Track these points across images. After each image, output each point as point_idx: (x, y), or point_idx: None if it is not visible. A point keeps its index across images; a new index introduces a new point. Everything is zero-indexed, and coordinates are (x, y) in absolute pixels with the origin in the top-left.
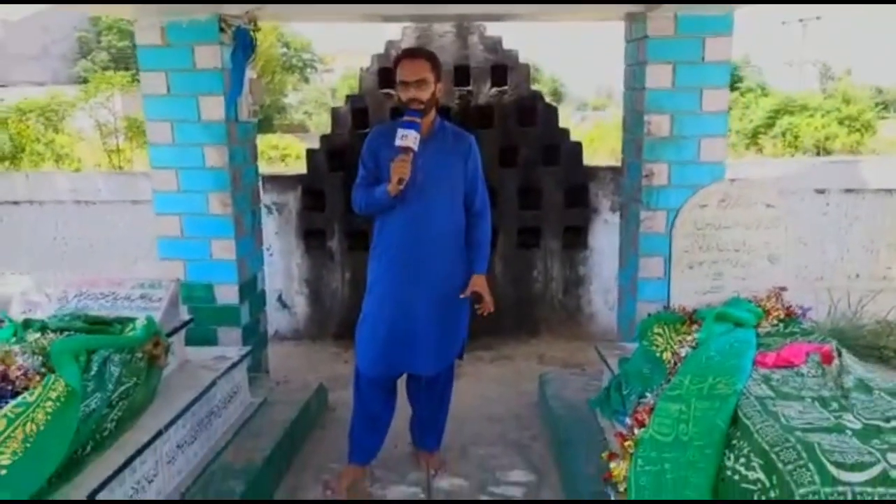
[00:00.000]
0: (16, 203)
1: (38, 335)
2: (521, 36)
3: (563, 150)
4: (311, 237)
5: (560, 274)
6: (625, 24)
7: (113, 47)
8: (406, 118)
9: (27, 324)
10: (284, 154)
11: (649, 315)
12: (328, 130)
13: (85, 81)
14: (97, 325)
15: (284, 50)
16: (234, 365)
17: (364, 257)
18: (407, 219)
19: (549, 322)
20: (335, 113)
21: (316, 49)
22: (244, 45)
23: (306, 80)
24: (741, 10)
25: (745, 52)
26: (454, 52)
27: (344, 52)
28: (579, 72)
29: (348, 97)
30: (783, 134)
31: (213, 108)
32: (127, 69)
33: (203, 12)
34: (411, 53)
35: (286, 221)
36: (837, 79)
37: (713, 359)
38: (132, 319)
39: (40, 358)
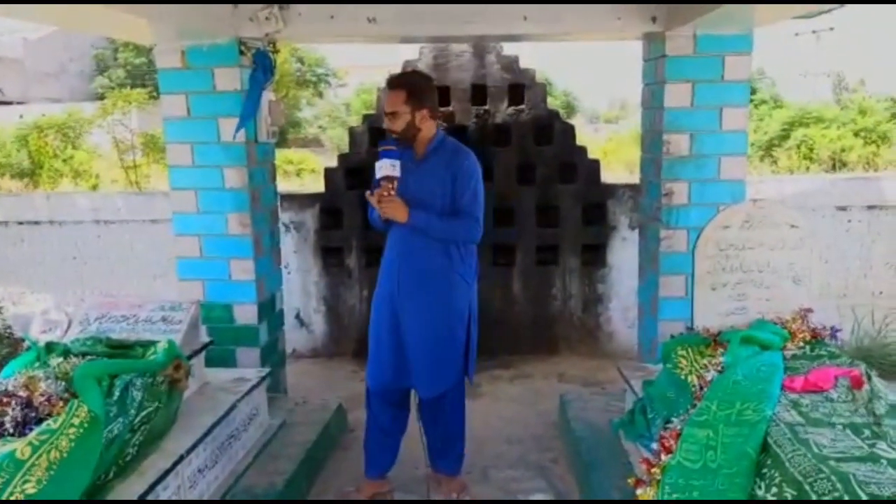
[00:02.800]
0: (37, 223)
1: (60, 360)
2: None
3: (580, 168)
4: (329, 255)
5: (579, 291)
6: (642, 44)
7: (129, 64)
8: (381, 148)
9: (50, 347)
10: (300, 168)
11: (672, 337)
12: (344, 146)
13: (102, 98)
14: (119, 348)
15: (298, 65)
16: (254, 387)
17: None
18: (398, 238)
19: (568, 340)
20: (352, 132)
21: (330, 64)
22: (264, 68)
23: (320, 95)
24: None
25: (758, 64)
26: (471, 71)
27: (358, 66)
28: (591, 84)
29: (365, 116)
30: (798, 146)
31: (233, 129)
32: (144, 86)
33: (223, 36)
34: (389, 83)
35: (304, 239)
36: (852, 90)
37: (740, 383)
38: (153, 343)
39: (63, 383)
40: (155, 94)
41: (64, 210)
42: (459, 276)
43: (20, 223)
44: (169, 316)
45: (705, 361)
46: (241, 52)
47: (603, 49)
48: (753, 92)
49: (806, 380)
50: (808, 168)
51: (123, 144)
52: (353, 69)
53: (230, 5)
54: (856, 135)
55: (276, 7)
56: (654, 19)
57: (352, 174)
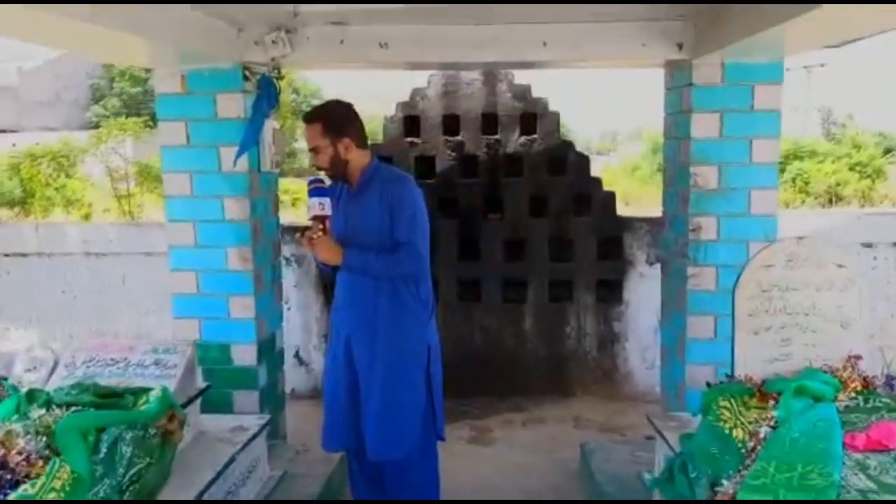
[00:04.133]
0: (24, 255)
1: (42, 411)
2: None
3: (595, 200)
4: (331, 290)
5: (594, 330)
6: (664, 72)
7: (125, 94)
8: (309, 186)
9: (31, 396)
10: (295, 198)
11: (710, 385)
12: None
13: (97, 127)
14: (107, 397)
15: (294, 96)
16: (254, 436)
17: None
18: (343, 283)
19: (583, 381)
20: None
21: (325, 94)
22: (268, 94)
23: None
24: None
25: None
26: (482, 99)
27: (353, 97)
28: (581, 114)
29: (372, 146)
30: (793, 180)
31: (234, 158)
32: (139, 115)
33: (226, 60)
34: (304, 118)
35: (305, 273)
36: (840, 125)
37: (798, 441)
38: (146, 390)
39: (44, 439)
40: (151, 123)
41: (54, 241)
42: (409, 315)
43: (6, 255)
44: (163, 359)
45: (753, 415)
46: (245, 78)
47: (593, 79)
48: None
49: (868, 437)
50: (803, 201)
51: (117, 173)
52: (349, 101)
53: (235, 28)
54: (850, 169)
55: (283, 31)
56: (680, 46)
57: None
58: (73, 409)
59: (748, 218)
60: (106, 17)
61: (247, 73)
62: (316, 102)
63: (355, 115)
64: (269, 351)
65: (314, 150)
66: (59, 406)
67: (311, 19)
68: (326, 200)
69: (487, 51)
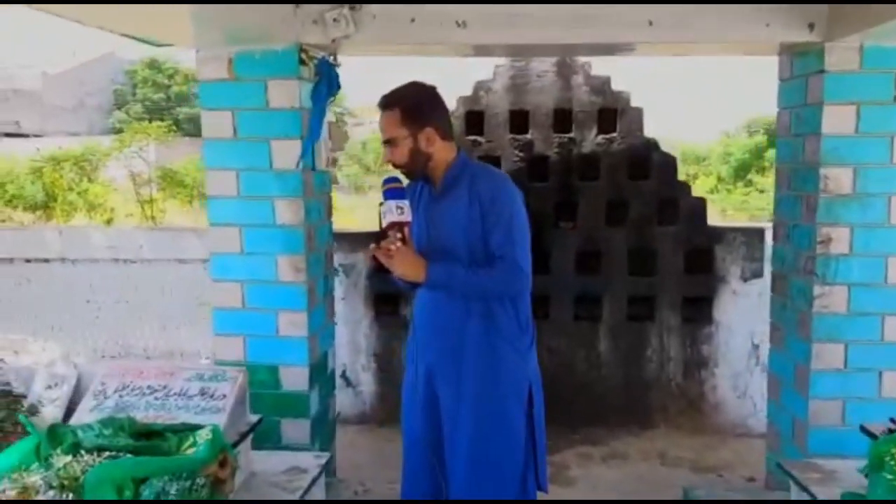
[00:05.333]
0: (46, 261)
1: (67, 458)
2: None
3: (682, 207)
4: (382, 303)
5: (679, 353)
6: (779, 60)
7: (148, 99)
8: (385, 187)
9: (54, 435)
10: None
11: (876, 437)
12: (361, 183)
13: (120, 132)
14: (146, 437)
15: None
16: (314, 481)
17: None
18: (424, 301)
19: (665, 411)
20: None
21: (346, 103)
22: (329, 80)
23: None
24: None
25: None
26: (555, 93)
27: (374, 107)
28: (667, 111)
29: None
30: None
31: (289, 154)
32: (161, 121)
33: (280, 41)
34: (380, 104)
35: (354, 285)
36: None
37: None
38: (192, 429)
39: (71, 494)
40: (175, 128)
41: (78, 246)
42: (507, 345)
43: (27, 260)
44: (209, 388)
45: None
46: (302, 62)
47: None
48: None
49: None
50: None
51: (140, 178)
52: (371, 109)
53: (290, 4)
54: None
55: (346, 7)
56: (811, 27)
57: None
58: (106, 454)
59: (887, 229)
60: None
61: (303, 56)
62: (338, 111)
63: (440, 100)
64: (321, 374)
65: (390, 143)
66: (88, 451)
67: None
68: (405, 204)
69: (584, 31)
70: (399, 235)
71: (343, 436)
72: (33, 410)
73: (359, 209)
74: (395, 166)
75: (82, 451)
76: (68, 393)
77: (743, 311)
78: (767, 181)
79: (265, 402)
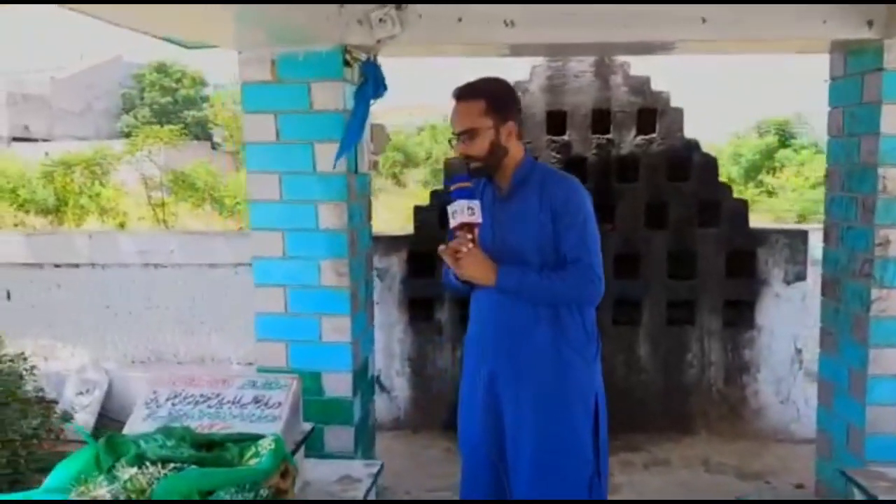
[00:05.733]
0: (76, 266)
1: (132, 469)
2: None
3: (723, 209)
4: (417, 307)
5: (720, 358)
6: (831, 58)
7: (155, 103)
8: (453, 186)
9: (112, 444)
10: None
11: None
12: (381, 186)
13: (128, 136)
14: (206, 448)
15: None
16: (368, 491)
17: None
18: (486, 306)
19: (706, 417)
20: (448, 164)
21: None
22: (375, 81)
23: None
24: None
25: (796, 109)
26: (593, 94)
27: (392, 109)
28: (706, 112)
29: None
30: None
31: (333, 157)
32: (168, 124)
33: (324, 42)
34: (459, 94)
35: (388, 289)
36: None
37: None
38: (252, 439)
39: None
40: (186, 131)
41: (107, 251)
42: (575, 354)
43: (57, 265)
44: (263, 396)
45: None
46: (346, 63)
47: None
48: (793, 137)
49: None
50: None
51: (151, 181)
52: (373, 111)
53: (335, 4)
54: None
55: (392, 7)
56: (870, 24)
57: (447, 213)
58: (171, 466)
59: None
60: None
61: (348, 58)
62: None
63: (518, 98)
64: (363, 379)
65: (469, 134)
66: (152, 463)
67: None
68: (476, 204)
69: (634, 30)
70: (469, 237)
71: (379, 442)
72: (67, 417)
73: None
74: (470, 159)
75: (147, 463)
76: (100, 399)
77: (786, 315)
78: (777, 182)
79: (309, 410)
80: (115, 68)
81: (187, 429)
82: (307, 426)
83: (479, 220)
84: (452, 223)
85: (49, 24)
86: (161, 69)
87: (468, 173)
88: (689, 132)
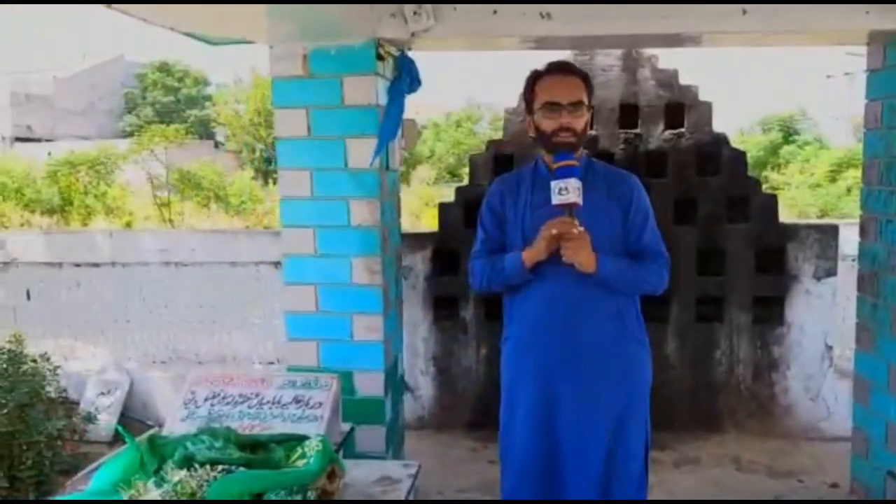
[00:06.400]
0: (96, 265)
1: (182, 472)
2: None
3: (753, 204)
4: (441, 306)
5: (749, 355)
6: (868, 49)
7: (158, 103)
8: (558, 164)
9: (155, 445)
10: None
11: None
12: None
13: (130, 135)
14: (250, 449)
15: None
16: (409, 491)
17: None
18: (547, 298)
19: (734, 414)
20: (473, 161)
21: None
22: (411, 75)
23: None
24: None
25: (799, 105)
26: (620, 88)
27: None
28: (735, 105)
29: (490, 143)
30: (848, 190)
31: (365, 152)
32: (171, 123)
33: (357, 36)
34: (563, 67)
35: (412, 287)
36: None
37: None
38: (297, 440)
39: None
40: (192, 130)
41: (128, 250)
42: (639, 346)
43: (77, 265)
44: (303, 395)
45: None
46: (380, 57)
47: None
48: (797, 133)
49: None
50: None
51: (157, 181)
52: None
53: None
54: None
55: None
56: None
57: (472, 210)
58: (220, 468)
59: None
60: None
61: (381, 51)
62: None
63: None
64: (393, 379)
65: (576, 107)
66: (201, 464)
67: None
68: (580, 186)
69: (673, 21)
70: (573, 221)
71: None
72: (90, 418)
73: None
74: (569, 132)
75: (195, 465)
76: (121, 399)
77: (816, 311)
78: (782, 179)
79: (342, 410)
80: (117, 68)
81: (231, 430)
82: (346, 427)
83: (581, 202)
84: (557, 200)
85: (51, 23)
86: (163, 68)
87: (562, 149)
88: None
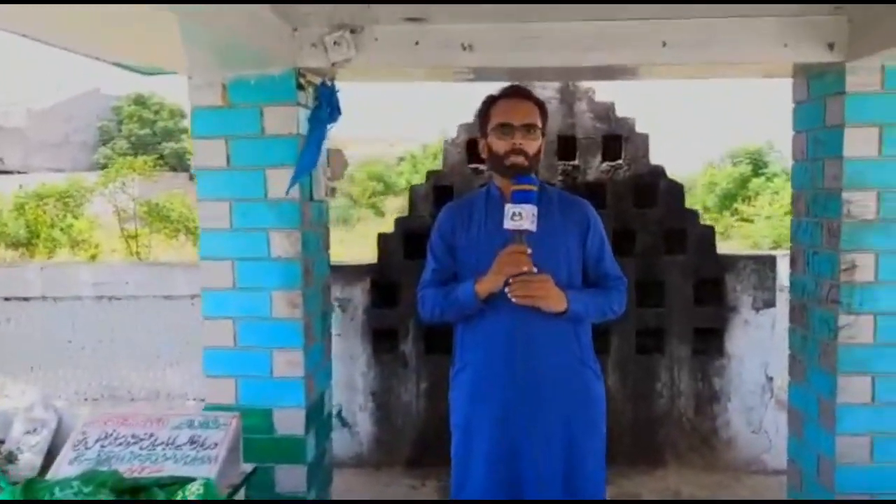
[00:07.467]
0: (26, 299)
1: None
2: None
3: (690, 235)
4: (381, 339)
5: (690, 387)
6: (794, 82)
7: (133, 135)
8: (516, 186)
9: (31, 491)
10: None
11: None
12: (348, 215)
13: (104, 167)
14: (131, 493)
15: None
16: None
17: (446, 362)
18: (503, 326)
19: (675, 447)
20: (413, 192)
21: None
22: (331, 105)
23: None
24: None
25: (768, 136)
26: (558, 120)
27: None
28: (671, 137)
29: (429, 173)
30: None
31: (285, 183)
32: (146, 155)
33: (277, 65)
34: (518, 91)
35: (351, 319)
36: None
37: None
38: (182, 482)
39: None
40: (162, 162)
41: (60, 284)
42: (592, 372)
43: (6, 299)
44: (200, 436)
45: None
46: (300, 87)
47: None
48: (765, 165)
49: None
50: None
51: (125, 213)
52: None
53: (288, 26)
54: None
55: (347, 30)
56: (831, 46)
57: (412, 241)
58: None
59: None
60: None
61: (302, 81)
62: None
63: None
64: (318, 416)
65: (530, 127)
66: None
67: (383, 15)
68: (535, 211)
69: (595, 54)
70: (529, 251)
71: (339, 480)
72: (11, 458)
73: (345, 242)
74: (521, 155)
75: None
76: (48, 438)
77: (755, 343)
78: (752, 210)
79: (258, 448)
80: (93, 100)
81: (114, 473)
82: (248, 467)
83: (534, 228)
84: (509, 225)
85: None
86: (139, 101)
87: (514, 172)
88: (666, 160)
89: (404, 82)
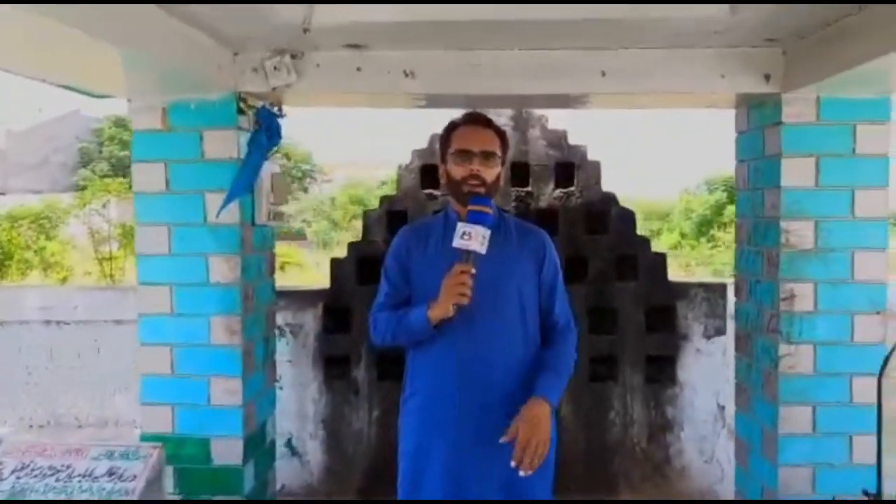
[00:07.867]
0: None
1: None
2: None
3: (642, 263)
4: (332, 366)
5: (643, 416)
6: (736, 112)
7: (114, 157)
8: (472, 207)
9: None
10: (284, 262)
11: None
12: (329, 240)
13: (83, 189)
14: None
15: (284, 161)
16: None
17: (398, 389)
18: (455, 355)
19: (628, 476)
20: (367, 217)
21: (315, 160)
22: (269, 130)
23: (305, 190)
24: None
25: None
26: (512, 147)
27: (344, 164)
28: (623, 165)
29: (383, 199)
30: None
31: (225, 208)
32: (125, 177)
33: (217, 89)
34: (479, 119)
35: (302, 346)
36: None
37: None
38: None
39: None
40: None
41: (7, 307)
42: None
43: None
44: (119, 467)
45: None
46: (240, 111)
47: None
48: None
49: None
50: None
51: (99, 235)
52: (339, 166)
53: (228, 51)
54: None
55: (287, 55)
56: (767, 78)
57: (365, 266)
58: None
59: (851, 284)
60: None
61: (242, 105)
62: (306, 168)
63: None
64: (258, 445)
65: (488, 157)
66: None
67: (323, 41)
68: (487, 234)
69: (537, 82)
70: (472, 271)
71: None
72: None
73: (323, 266)
74: (478, 181)
75: None
76: None
77: (707, 371)
78: (728, 237)
79: (194, 479)
80: (73, 122)
81: None
82: (170, 498)
83: (483, 250)
84: (458, 244)
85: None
86: (120, 123)
87: (469, 198)
88: (642, 188)
89: (347, 108)
